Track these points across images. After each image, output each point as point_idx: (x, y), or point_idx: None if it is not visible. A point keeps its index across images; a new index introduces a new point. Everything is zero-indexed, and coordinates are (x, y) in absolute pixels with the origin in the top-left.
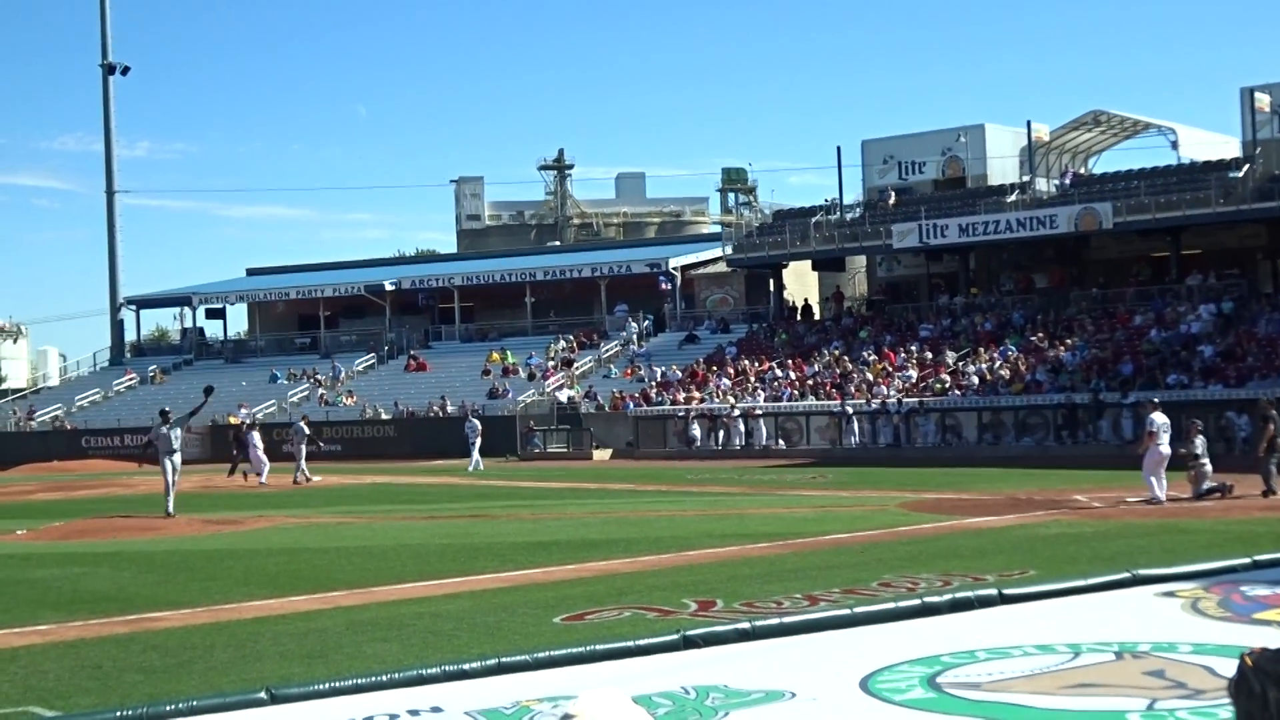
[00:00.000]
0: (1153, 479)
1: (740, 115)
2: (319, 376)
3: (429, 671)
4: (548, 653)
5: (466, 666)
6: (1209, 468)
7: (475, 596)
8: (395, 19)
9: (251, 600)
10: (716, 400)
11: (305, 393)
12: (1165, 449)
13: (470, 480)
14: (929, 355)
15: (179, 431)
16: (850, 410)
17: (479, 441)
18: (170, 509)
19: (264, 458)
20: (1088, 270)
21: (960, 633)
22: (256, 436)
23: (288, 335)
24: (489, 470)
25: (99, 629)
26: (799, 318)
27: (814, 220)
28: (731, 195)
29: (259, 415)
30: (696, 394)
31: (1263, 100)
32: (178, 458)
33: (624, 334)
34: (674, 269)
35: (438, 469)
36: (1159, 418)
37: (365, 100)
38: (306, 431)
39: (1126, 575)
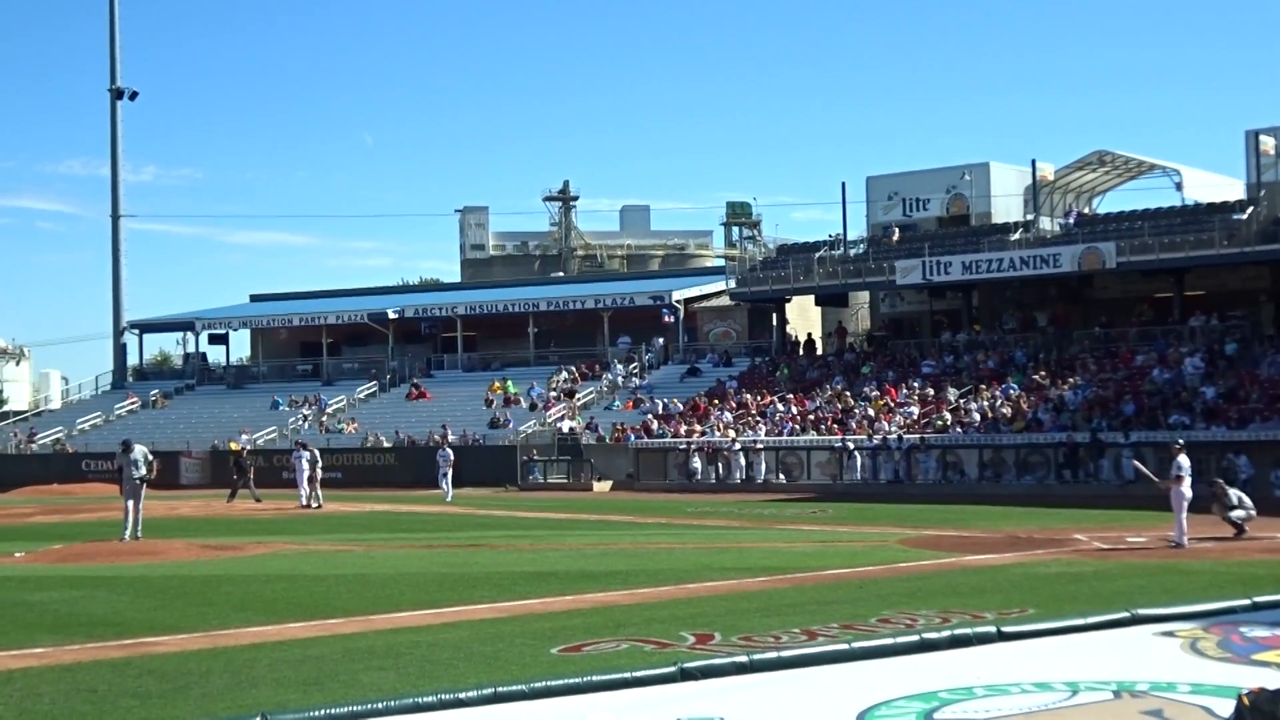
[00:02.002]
0: (1184, 519)
1: (745, 150)
2: (303, 411)
3: (425, 700)
4: (544, 683)
5: (463, 695)
6: (1241, 514)
7: (473, 626)
8: (403, 48)
9: (249, 626)
10: (717, 434)
11: (297, 422)
12: (1189, 491)
13: (470, 510)
14: (931, 392)
15: (141, 458)
16: (851, 446)
17: (450, 471)
18: (130, 534)
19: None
20: (1090, 310)
21: (958, 669)
22: (305, 460)
23: (290, 362)
24: (487, 500)
25: (95, 653)
26: (801, 352)
27: (817, 255)
28: (736, 229)
29: (259, 441)
30: (698, 427)
31: (1267, 143)
32: (144, 486)
33: (619, 369)
34: (677, 302)
35: (437, 498)
36: (1185, 460)
37: (372, 128)
38: (318, 459)
39: (1126, 615)
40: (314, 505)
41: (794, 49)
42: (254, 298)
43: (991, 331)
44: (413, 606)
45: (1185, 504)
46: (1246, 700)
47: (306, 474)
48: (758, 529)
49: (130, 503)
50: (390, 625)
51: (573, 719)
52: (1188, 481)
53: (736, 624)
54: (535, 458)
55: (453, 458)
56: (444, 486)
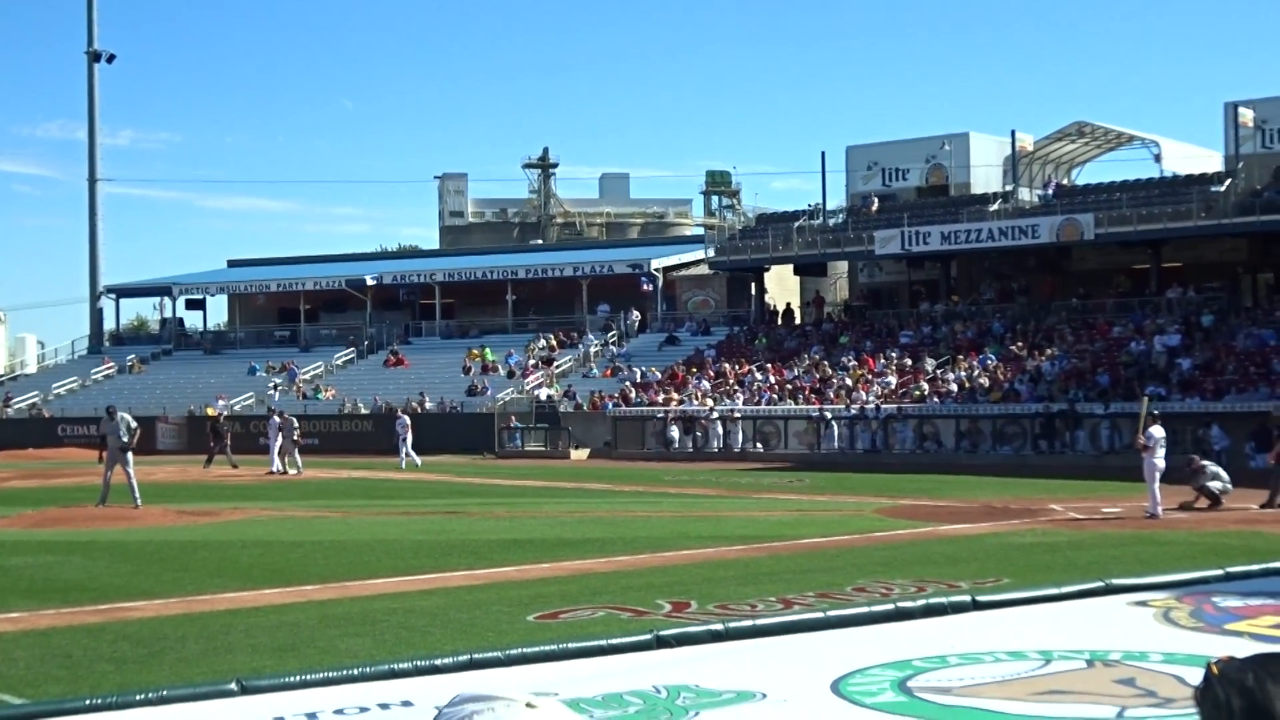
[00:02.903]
0: (1156, 489)
1: (725, 118)
2: (275, 380)
3: (400, 666)
4: (520, 650)
5: (438, 662)
6: (1219, 485)
7: (449, 593)
8: (384, 14)
9: (224, 592)
10: (695, 402)
11: (271, 389)
12: (1161, 462)
13: (447, 477)
14: (909, 362)
15: (124, 425)
16: (829, 415)
17: (409, 437)
18: (137, 500)
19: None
20: (1068, 281)
21: (932, 638)
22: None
23: (267, 328)
24: (464, 468)
25: (71, 618)
26: (780, 322)
27: (796, 225)
28: (715, 198)
29: (236, 407)
30: (675, 395)
31: (1246, 115)
32: (129, 453)
33: (592, 340)
34: (656, 270)
35: (410, 465)
36: (1158, 431)
37: (351, 94)
38: (296, 425)
39: (1099, 584)
40: (291, 471)
41: (775, 18)
42: (232, 263)
43: (969, 302)
44: (389, 573)
45: (1158, 474)
46: (1216, 669)
47: (279, 442)
48: (735, 498)
49: (116, 468)
50: (366, 592)
51: (548, 687)
52: (1161, 452)
53: (713, 592)
54: (513, 425)
55: (409, 423)
56: (403, 454)
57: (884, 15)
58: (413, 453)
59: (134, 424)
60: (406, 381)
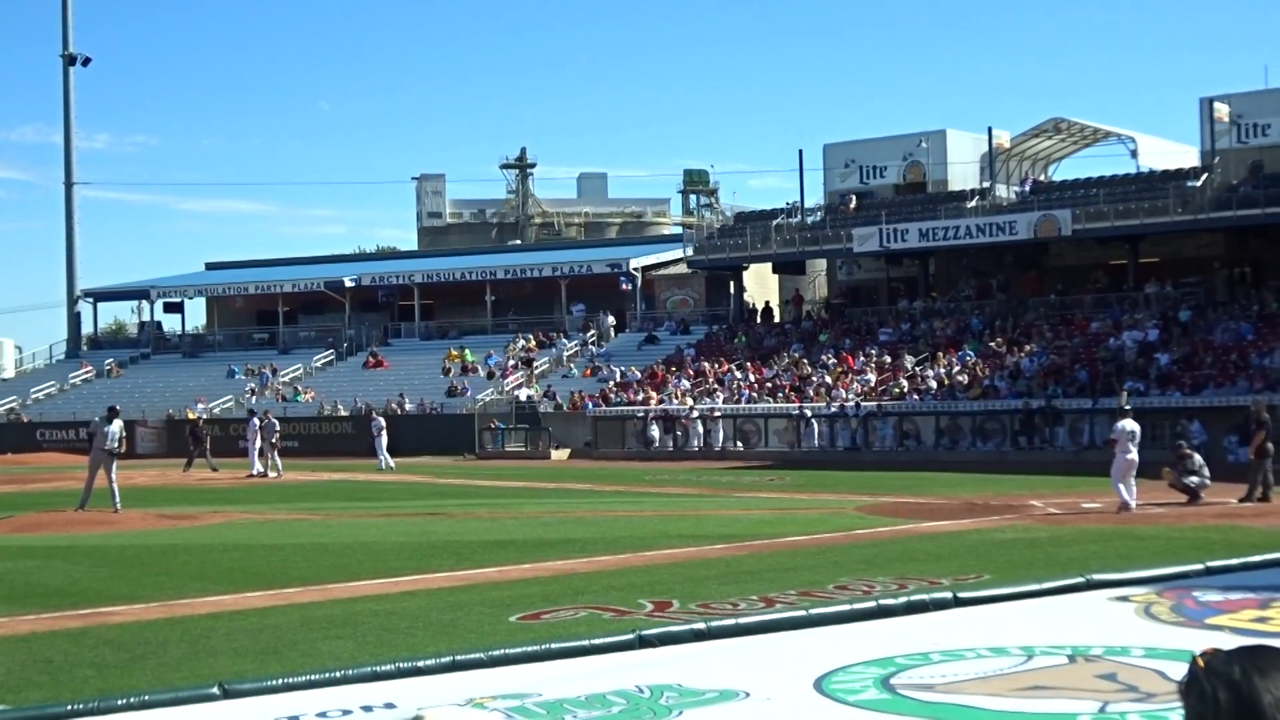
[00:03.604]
0: (1121, 485)
1: (702, 117)
2: (250, 383)
3: (383, 668)
4: (503, 651)
5: (421, 664)
6: (1196, 480)
7: (431, 594)
8: (360, 15)
9: (206, 596)
10: (675, 401)
11: (249, 391)
12: (1133, 456)
13: (428, 478)
14: (888, 359)
15: (117, 431)
16: (809, 413)
17: (385, 439)
18: (117, 504)
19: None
20: (1046, 277)
21: (915, 635)
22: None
23: (246, 330)
24: (445, 469)
25: (51, 623)
26: (759, 320)
27: (775, 223)
28: (693, 197)
29: (215, 410)
30: (655, 395)
31: (1221, 110)
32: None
33: (565, 342)
34: (634, 270)
35: (395, 467)
36: (1126, 425)
37: (328, 96)
38: (277, 427)
39: (1080, 580)
40: (271, 474)
41: (752, 16)
42: (209, 266)
43: (948, 299)
44: (370, 575)
45: (1125, 469)
46: (1201, 662)
47: (257, 444)
48: (715, 496)
49: (99, 472)
50: (348, 594)
51: (531, 687)
52: (1133, 446)
53: (695, 591)
54: (493, 426)
55: (384, 425)
56: (381, 456)
57: (861, 13)
58: (386, 455)
59: (123, 432)
60: (386, 383)
